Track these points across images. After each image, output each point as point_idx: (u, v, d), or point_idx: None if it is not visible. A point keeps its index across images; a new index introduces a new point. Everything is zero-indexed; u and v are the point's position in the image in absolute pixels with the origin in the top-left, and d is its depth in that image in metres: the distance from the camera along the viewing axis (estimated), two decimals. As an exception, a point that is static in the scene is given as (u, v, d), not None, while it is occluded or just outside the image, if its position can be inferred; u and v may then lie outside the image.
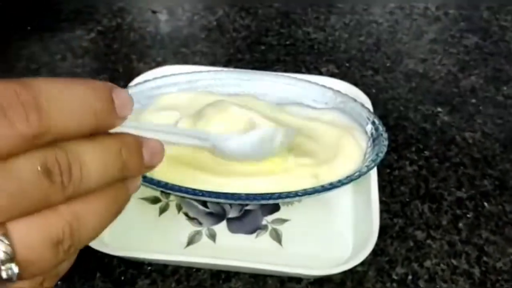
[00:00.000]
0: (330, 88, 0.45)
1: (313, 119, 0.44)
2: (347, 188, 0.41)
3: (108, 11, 0.61)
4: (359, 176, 0.37)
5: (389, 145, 0.42)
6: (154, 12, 0.59)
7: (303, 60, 0.55)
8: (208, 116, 0.40)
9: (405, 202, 0.41)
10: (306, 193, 0.36)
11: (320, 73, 0.52)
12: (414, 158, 0.45)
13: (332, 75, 0.51)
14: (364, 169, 0.38)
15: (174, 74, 0.47)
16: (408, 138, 0.47)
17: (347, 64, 0.54)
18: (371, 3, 0.64)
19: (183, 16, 0.61)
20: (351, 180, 0.37)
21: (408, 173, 0.44)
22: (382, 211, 0.40)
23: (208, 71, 0.47)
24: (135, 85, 0.45)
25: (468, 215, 0.41)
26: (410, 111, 0.49)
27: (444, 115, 0.49)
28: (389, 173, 0.43)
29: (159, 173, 0.37)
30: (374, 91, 0.51)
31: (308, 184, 0.37)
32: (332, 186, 0.37)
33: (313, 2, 0.64)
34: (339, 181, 0.37)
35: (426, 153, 0.45)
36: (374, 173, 0.39)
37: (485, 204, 0.41)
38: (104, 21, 0.60)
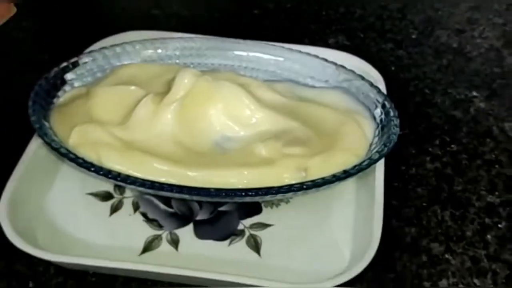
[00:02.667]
0: (332, 63, 0.47)
1: (309, 100, 0.46)
2: (346, 187, 0.42)
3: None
4: (359, 171, 0.39)
5: (403, 135, 0.44)
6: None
7: (307, 29, 0.57)
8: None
9: (422, 207, 0.43)
10: (291, 189, 0.38)
11: (327, 45, 0.53)
12: (437, 153, 0.46)
13: (340, 47, 0.52)
14: (366, 163, 0.39)
15: (137, 41, 0.49)
16: (431, 128, 0.48)
17: (361, 35, 0.56)
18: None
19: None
20: (349, 176, 0.39)
21: (428, 171, 0.45)
22: (391, 218, 0.42)
23: (180, 38, 0.49)
24: (89, 52, 0.47)
25: (499, 225, 0.42)
26: (437, 95, 0.51)
27: (481, 101, 0.51)
28: (404, 171, 0.45)
29: (111, 161, 0.39)
30: (393, 68, 0.53)
31: (294, 178, 0.39)
32: (324, 182, 0.38)
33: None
34: (334, 175, 0.39)
35: (454, 147, 0.47)
36: (380, 169, 0.41)
37: (523, 212, 0.43)
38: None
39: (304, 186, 0.38)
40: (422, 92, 0.51)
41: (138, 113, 0.43)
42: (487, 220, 0.43)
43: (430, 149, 0.47)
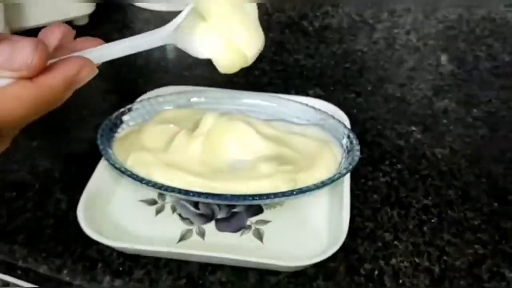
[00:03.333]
0: (312, 107, 0.49)
1: (296, 133, 0.47)
2: (323, 194, 0.44)
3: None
4: (332, 181, 0.41)
5: (363, 158, 0.46)
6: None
7: (292, 84, 0.59)
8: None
9: (376, 208, 0.45)
10: (284, 194, 0.40)
11: (307, 95, 0.56)
12: (387, 170, 0.48)
13: (317, 96, 0.54)
14: (337, 176, 0.41)
15: (174, 93, 0.51)
16: (383, 153, 0.50)
17: (332, 88, 0.58)
18: (358, 34, 0.68)
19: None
20: (324, 185, 0.41)
21: (381, 183, 0.47)
22: (355, 216, 0.43)
23: (204, 90, 0.51)
24: (140, 101, 0.49)
25: (432, 220, 0.44)
26: (386, 130, 0.53)
27: (418, 133, 0.52)
28: (363, 183, 0.47)
29: (157, 176, 0.41)
30: (355, 111, 0.55)
31: (287, 187, 0.41)
32: (307, 189, 0.40)
33: (306, 32, 0.69)
34: (314, 185, 0.41)
35: (399, 166, 0.49)
36: (347, 181, 0.43)
37: (449, 211, 0.45)
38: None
39: (294, 192, 0.40)
40: (376, 127, 0.53)
41: (176, 143, 0.44)
42: (423, 217, 0.44)
43: (382, 167, 0.48)
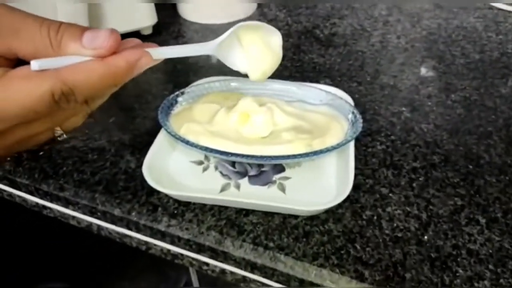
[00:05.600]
0: (323, 90, 0.46)
1: (311, 110, 0.45)
2: (333, 157, 0.42)
3: (176, 44, 0.65)
4: (339, 146, 0.39)
5: (363, 130, 0.44)
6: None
7: (308, 76, 0.57)
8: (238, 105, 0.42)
9: (375, 169, 0.42)
10: (302, 156, 0.38)
11: (319, 83, 0.53)
12: (383, 141, 0.46)
13: (327, 85, 0.52)
14: (344, 142, 0.39)
15: (217, 80, 0.49)
16: (379, 127, 0.47)
17: (338, 79, 0.56)
18: (359, 39, 0.65)
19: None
20: (334, 149, 0.38)
21: (378, 150, 0.44)
22: (357, 174, 0.41)
23: (241, 79, 0.49)
24: (191, 87, 0.48)
25: (420, 179, 0.41)
26: (382, 110, 0.50)
27: (407, 113, 0.49)
28: (364, 150, 0.44)
29: (204, 142, 0.40)
30: (357, 96, 0.52)
31: (304, 151, 0.39)
32: (320, 152, 0.38)
33: (318, 38, 0.66)
34: (326, 148, 0.38)
35: (392, 137, 0.46)
36: (352, 147, 0.40)
37: (433, 171, 0.42)
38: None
39: (310, 154, 0.38)
40: (373, 108, 0.50)
41: (218, 117, 0.43)
42: (413, 176, 0.42)
43: (379, 138, 0.46)
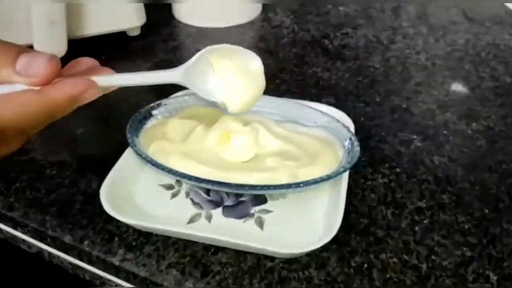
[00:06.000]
0: (319, 110, 0.45)
1: (303, 133, 0.44)
2: (323, 189, 0.40)
3: (165, 48, 0.64)
4: (329, 178, 0.37)
5: (364, 160, 0.43)
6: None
7: (308, 92, 0.56)
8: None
9: (373, 206, 0.40)
10: (283, 187, 0.36)
11: (320, 102, 0.52)
12: (386, 173, 0.44)
13: (329, 104, 0.50)
14: (335, 173, 0.37)
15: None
16: (384, 157, 0.46)
17: (343, 97, 0.54)
18: (373, 53, 0.64)
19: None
20: (322, 181, 0.37)
21: (379, 184, 0.43)
22: (351, 212, 0.39)
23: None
24: (170, 98, 0.47)
25: (424, 221, 0.39)
26: (389, 136, 0.48)
27: (418, 142, 0.48)
28: (363, 183, 0.43)
29: (175, 164, 0.39)
30: (362, 119, 0.51)
31: (288, 181, 0.37)
32: (306, 183, 0.37)
33: (325, 49, 0.65)
34: (313, 180, 0.37)
35: (397, 169, 0.44)
36: (345, 179, 0.39)
37: (441, 214, 0.40)
38: (160, 55, 0.63)
39: (293, 186, 0.36)
40: (379, 134, 0.49)
41: (193, 135, 0.42)
42: (416, 217, 0.40)
43: (381, 170, 0.44)
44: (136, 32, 0.67)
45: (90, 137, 0.48)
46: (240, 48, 0.34)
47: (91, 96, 0.27)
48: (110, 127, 0.49)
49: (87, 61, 0.29)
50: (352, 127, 0.45)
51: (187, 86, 0.32)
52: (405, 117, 0.52)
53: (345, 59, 0.63)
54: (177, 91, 0.49)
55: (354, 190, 0.42)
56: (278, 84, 0.57)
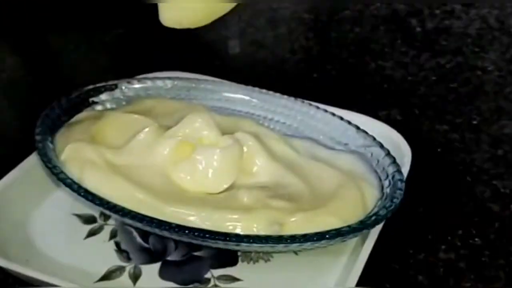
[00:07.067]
0: (354, 126, 0.44)
1: (320, 159, 0.43)
2: (325, 253, 0.39)
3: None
4: (332, 238, 0.35)
5: (420, 215, 0.43)
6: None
7: (360, 99, 0.55)
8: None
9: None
10: (253, 240, 0.35)
11: (376, 117, 0.50)
12: (455, 244, 0.41)
13: (389, 121, 0.49)
14: (346, 236, 0.36)
15: (173, 77, 0.49)
16: (457, 216, 0.44)
17: (416, 112, 0.53)
18: (487, 45, 0.62)
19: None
20: (324, 239, 0.35)
21: (438, 260, 0.40)
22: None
23: (213, 81, 0.49)
24: (135, 79, 0.49)
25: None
26: (478, 185, 0.46)
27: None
28: (410, 254, 0.41)
29: (92, 181, 0.39)
30: (439, 150, 0.48)
31: (265, 230, 0.36)
32: (291, 241, 0.35)
33: (410, 33, 0.64)
34: (305, 235, 0.35)
35: (477, 241, 0.42)
36: (369, 244, 0.37)
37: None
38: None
39: (268, 240, 0.35)
40: (463, 179, 0.46)
41: (137, 140, 0.42)
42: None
43: (449, 237, 0.41)
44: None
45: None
46: None
47: None
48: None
49: None
50: (407, 159, 0.43)
51: None
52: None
53: (438, 51, 0.62)
54: (148, 70, 0.51)
55: (389, 263, 0.40)
56: (315, 80, 0.57)
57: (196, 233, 0.35)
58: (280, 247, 0.36)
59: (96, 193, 0.38)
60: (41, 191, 0.43)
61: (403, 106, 0.53)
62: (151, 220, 0.36)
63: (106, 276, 0.38)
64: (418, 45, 0.62)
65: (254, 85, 0.49)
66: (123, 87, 0.48)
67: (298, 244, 0.35)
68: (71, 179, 0.38)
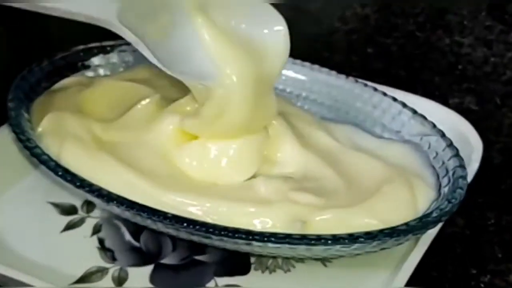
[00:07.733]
0: (410, 109, 0.45)
1: (366, 150, 0.45)
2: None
3: None
4: (367, 241, 0.36)
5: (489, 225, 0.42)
6: None
7: (428, 80, 0.55)
8: None
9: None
10: (268, 239, 0.36)
11: (447, 105, 0.51)
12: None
13: (463, 110, 0.50)
14: (385, 241, 0.37)
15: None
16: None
17: (498, 101, 0.54)
18: None
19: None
20: (354, 242, 0.36)
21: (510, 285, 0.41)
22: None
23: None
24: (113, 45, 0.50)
25: None
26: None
27: None
28: (474, 275, 0.42)
29: (72, 159, 0.40)
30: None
31: (283, 229, 0.37)
32: (315, 242, 0.36)
33: (500, 13, 0.65)
34: (333, 236, 0.36)
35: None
36: (416, 256, 0.39)
37: None
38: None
39: (287, 239, 0.36)
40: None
41: (134, 113, 0.44)
42: None
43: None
44: None
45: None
46: None
47: None
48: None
49: None
50: (476, 155, 0.45)
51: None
52: None
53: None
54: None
55: (445, 286, 0.41)
56: (369, 56, 0.58)
57: (197, 227, 0.36)
58: (302, 249, 0.37)
59: (77, 173, 0.39)
60: (12, 172, 0.45)
61: (480, 93, 0.54)
62: (142, 208, 0.37)
63: (84, 278, 0.40)
64: (508, 18, 0.62)
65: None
66: (121, 50, 0.49)
67: (324, 246, 0.36)
68: (47, 155, 0.40)
